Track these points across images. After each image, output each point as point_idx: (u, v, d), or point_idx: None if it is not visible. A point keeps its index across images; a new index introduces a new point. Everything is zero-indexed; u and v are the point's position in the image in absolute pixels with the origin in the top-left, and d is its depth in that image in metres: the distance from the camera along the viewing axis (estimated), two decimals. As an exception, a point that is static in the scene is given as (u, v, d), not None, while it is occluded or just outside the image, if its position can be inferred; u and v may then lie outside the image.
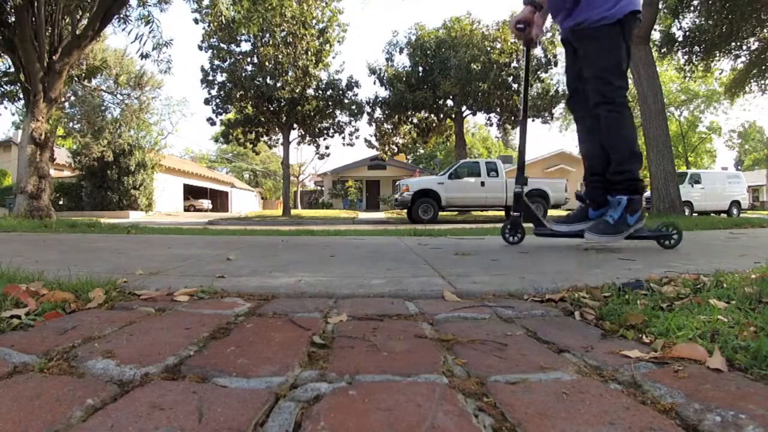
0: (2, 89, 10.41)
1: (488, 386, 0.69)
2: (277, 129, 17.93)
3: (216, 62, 16.47)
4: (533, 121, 18.33)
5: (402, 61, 21.92)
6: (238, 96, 16.21)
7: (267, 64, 15.92)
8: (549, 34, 16.96)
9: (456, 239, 3.39)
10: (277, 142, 19.41)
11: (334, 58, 17.45)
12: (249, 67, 16.45)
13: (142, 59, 10.27)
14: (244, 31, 11.64)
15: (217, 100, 16.71)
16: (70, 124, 18.71)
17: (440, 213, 12.49)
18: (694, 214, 14.02)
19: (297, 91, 16.00)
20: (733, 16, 10.98)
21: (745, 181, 18.22)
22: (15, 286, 1.17)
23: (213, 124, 17.26)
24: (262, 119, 17.13)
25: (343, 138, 18.37)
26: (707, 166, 29.63)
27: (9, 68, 9.88)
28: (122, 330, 0.97)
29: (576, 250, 2.57)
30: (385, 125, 19.48)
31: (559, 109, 19.52)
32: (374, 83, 19.08)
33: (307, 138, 18.34)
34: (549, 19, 2.74)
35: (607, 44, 2.39)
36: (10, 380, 0.69)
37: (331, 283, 1.52)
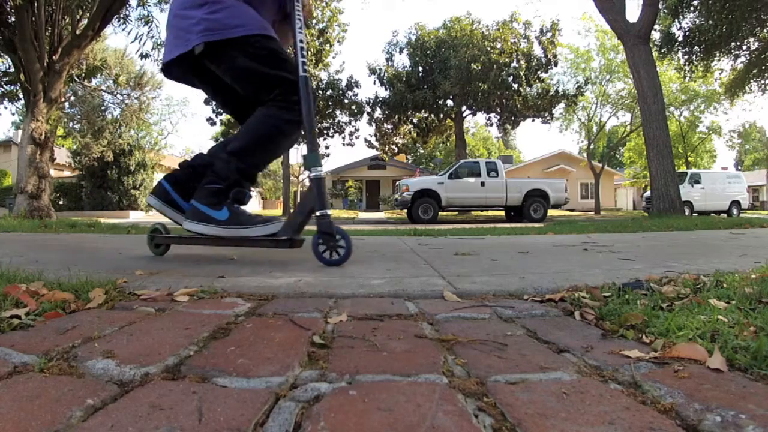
0: (2, 89, 10.42)
1: (488, 386, 0.69)
2: (277, 129, 17.89)
3: (216, 62, 16.46)
4: (533, 121, 18.34)
5: (402, 61, 21.89)
6: (238, 96, 16.18)
7: (267, 64, 15.88)
8: (549, 34, 16.96)
9: (456, 239, 3.38)
10: (277, 142, 19.37)
11: (334, 58, 17.47)
12: (249, 67, 16.42)
13: (141, 59, 10.28)
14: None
15: (217, 100, 16.69)
16: (70, 124, 18.76)
17: (440, 213, 12.48)
18: (694, 214, 14.02)
19: (297, 91, 15.96)
20: (733, 16, 10.98)
21: (745, 181, 18.21)
22: (15, 286, 1.17)
23: (213, 124, 17.28)
24: (262, 119, 17.09)
25: (343, 138, 18.40)
26: (707, 166, 29.60)
27: (9, 68, 9.88)
28: (122, 330, 0.97)
29: (576, 250, 2.57)
30: (385, 125, 19.47)
31: (559, 109, 19.53)
32: (374, 83, 19.09)
33: (307, 138, 18.31)
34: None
35: None
36: (10, 380, 0.69)
37: (331, 283, 1.52)
